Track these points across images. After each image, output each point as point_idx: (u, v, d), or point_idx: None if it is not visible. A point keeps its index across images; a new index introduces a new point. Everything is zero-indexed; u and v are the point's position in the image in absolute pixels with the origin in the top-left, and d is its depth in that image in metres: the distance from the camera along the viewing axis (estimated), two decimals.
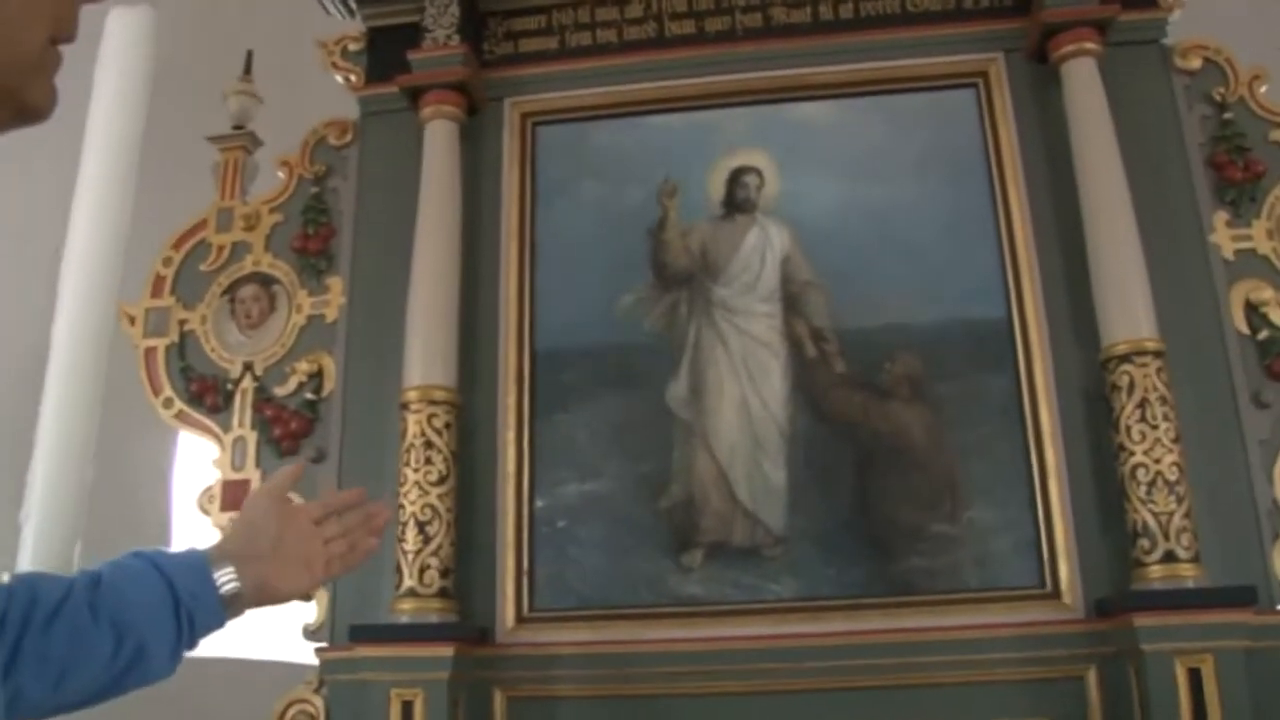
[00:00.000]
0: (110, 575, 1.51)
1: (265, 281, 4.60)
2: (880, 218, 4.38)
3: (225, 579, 1.58)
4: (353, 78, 4.76)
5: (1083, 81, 4.20)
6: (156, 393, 4.50)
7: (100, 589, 1.48)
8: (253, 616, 1.71)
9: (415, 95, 4.54)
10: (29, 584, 1.46)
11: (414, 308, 4.24)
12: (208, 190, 4.73)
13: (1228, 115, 4.29)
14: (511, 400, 4.35)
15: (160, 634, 1.51)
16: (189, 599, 1.53)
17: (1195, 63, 4.37)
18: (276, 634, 5.42)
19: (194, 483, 4.49)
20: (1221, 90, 4.33)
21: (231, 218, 4.68)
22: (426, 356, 4.18)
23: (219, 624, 1.59)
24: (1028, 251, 4.27)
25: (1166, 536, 3.70)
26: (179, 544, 4.45)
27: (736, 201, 4.48)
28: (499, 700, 4.07)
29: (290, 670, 4.57)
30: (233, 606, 1.59)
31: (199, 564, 1.58)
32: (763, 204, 4.46)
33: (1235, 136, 4.26)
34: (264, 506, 1.71)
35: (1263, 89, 4.34)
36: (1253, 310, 4.11)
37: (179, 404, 4.49)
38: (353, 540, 1.78)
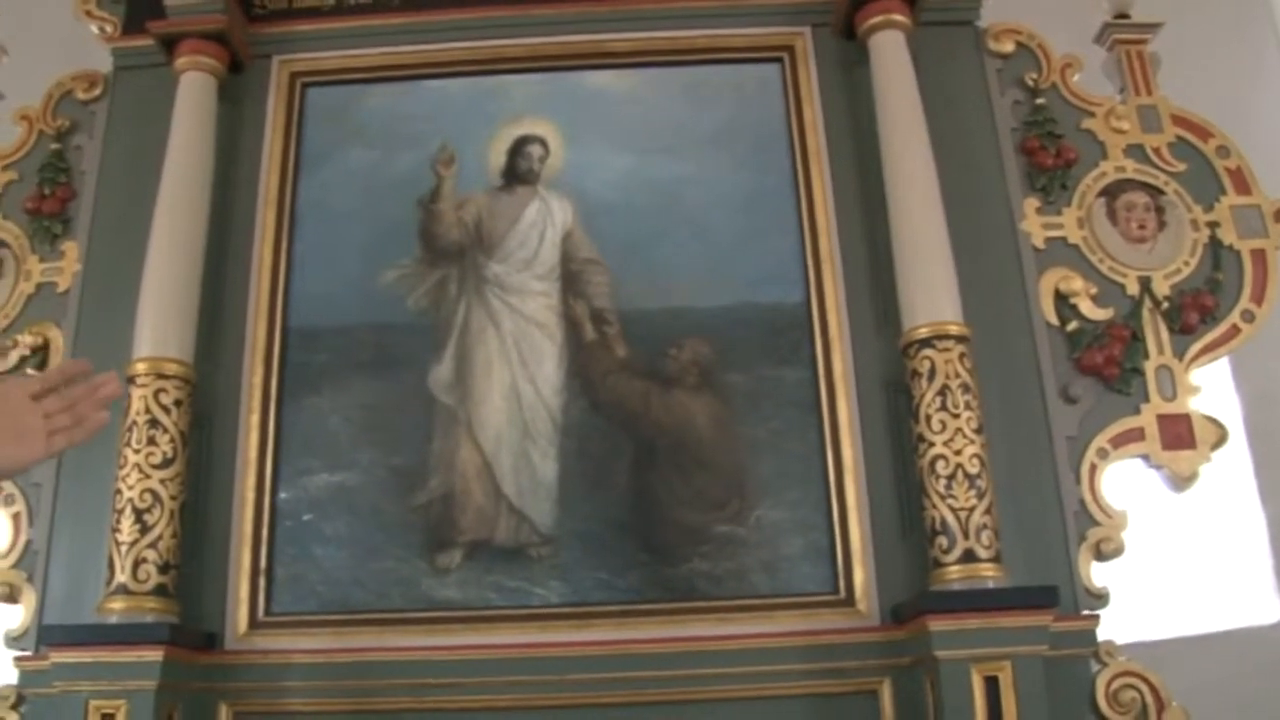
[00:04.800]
0: None
1: None
2: (672, 194, 4.08)
3: None
4: (108, 28, 4.34)
5: (890, 55, 3.98)
6: None
7: None
8: None
9: (171, 46, 4.14)
10: None
11: (150, 272, 3.78)
12: None
13: (1040, 101, 4.15)
14: (257, 380, 3.92)
15: None
16: None
17: (1008, 46, 4.23)
18: None
19: None
20: (1034, 76, 4.19)
21: None
22: (159, 326, 3.72)
23: None
24: (829, 234, 4.00)
25: (966, 534, 3.40)
26: None
27: (518, 172, 4.15)
28: (225, 715, 3.57)
29: None
30: None
31: None
32: (546, 176, 4.14)
33: (1047, 123, 4.12)
34: None
35: (1075, 77, 4.22)
36: (1062, 301, 3.92)
37: None
38: (79, 414, 1.61)
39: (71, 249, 4.11)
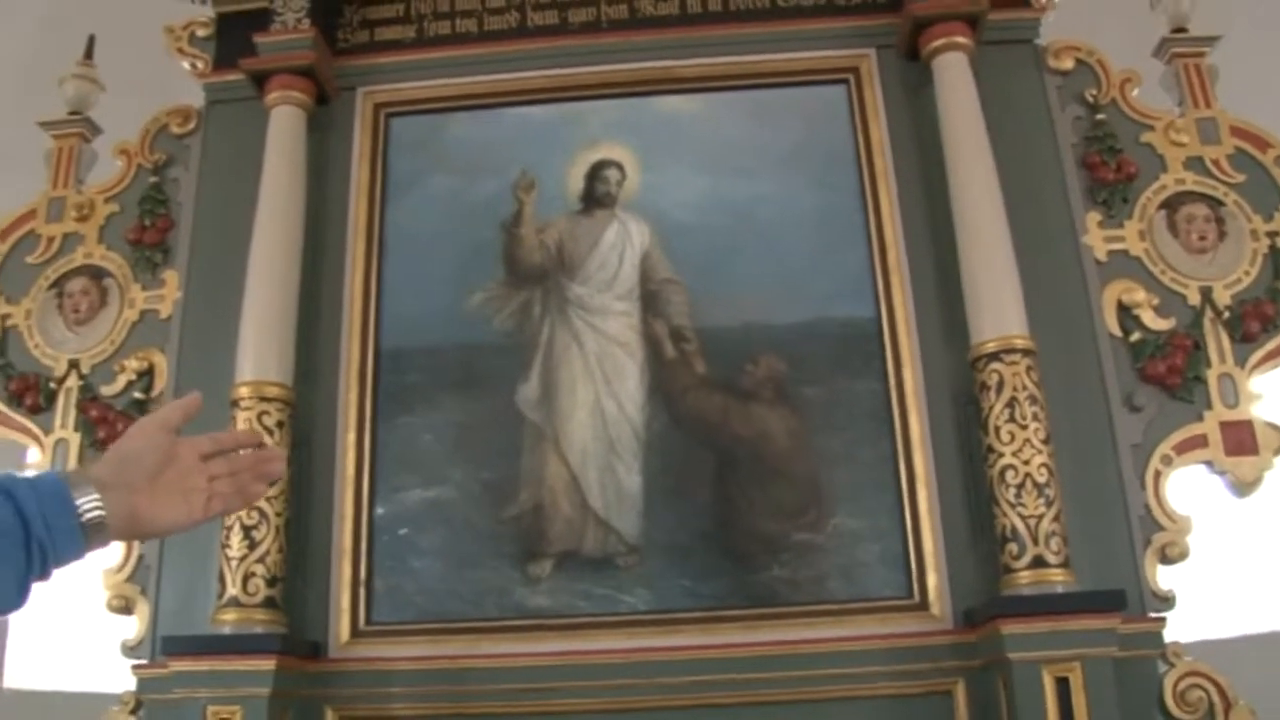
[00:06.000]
0: None
1: (96, 275, 4.34)
2: (745, 214, 4.22)
3: (88, 506, 1.42)
4: (199, 64, 4.54)
5: (954, 76, 4.10)
6: None
7: None
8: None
9: (262, 82, 4.33)
10: None
11: (249, 300, 3.98)
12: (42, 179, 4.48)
13: (1100, 116, 4.24)
14: (353, 400, 4.11)
15: (6, 567, 1.35)
16: (41, 529, 1.36)
17: (1068, 63, 4.32)
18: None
19: None
20: (1094, 92, 4.28)
21: (63, 207, 4.42)
22: (260, 351, 3.92)
23: (78, 554, 1.43)
24: (897, 250, 4.13)
25: (1035, 541, 3.53)
26: None
27: (596, 196, 4.30)
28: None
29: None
30: (96, 536, 1.43)
31: (58, 490, 1.41)
32: (623, 199, 4.29)
33: (1107, 137, 4.21)
34: (147, 435, 1.54)
35: (1134, 91, 4.30)
36: (1125, 312, 4.01)
37: None
38: (240, 483, 1.64)
39: (172, 277, 4.31)
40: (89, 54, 4.59)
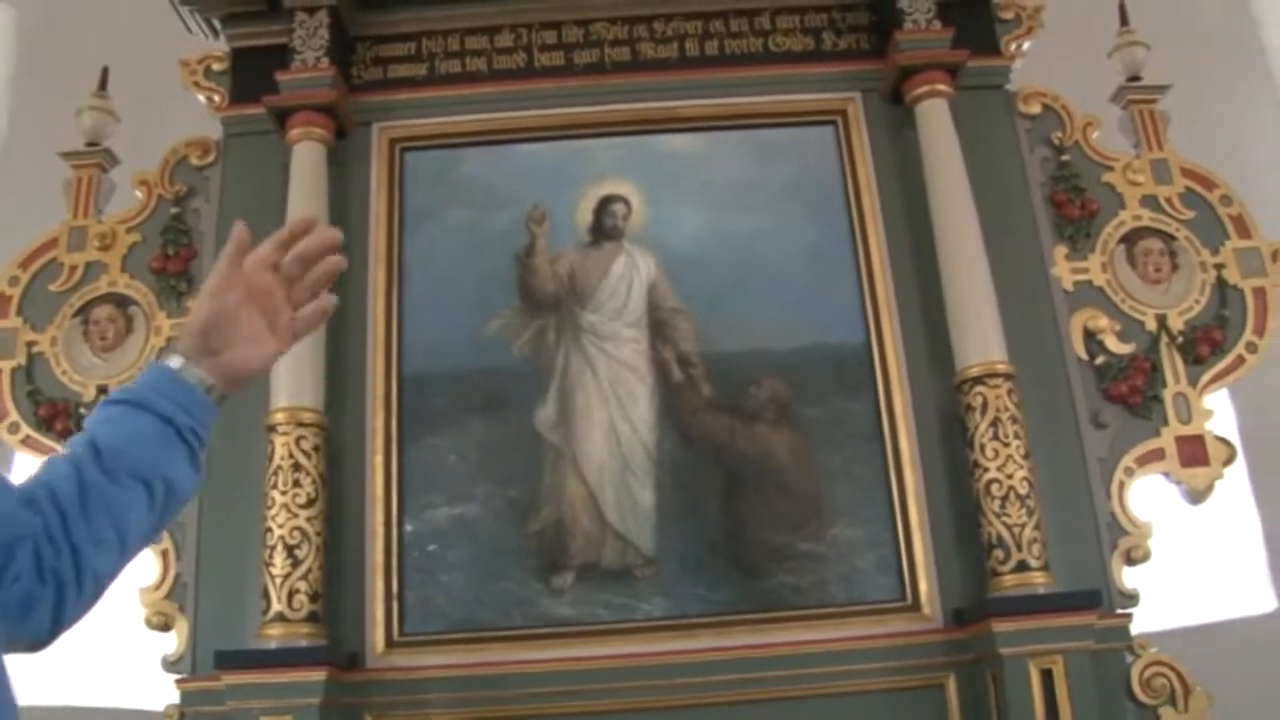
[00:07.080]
0: (104, 438, 1.48)
1: (121, 303, 4.47)
2: (744, 246, 4.52)
3: (200, 376, 1.54)
4: (216, 98, 4.69)
5: (935, 121, 4.45)
6: (0, 417, 4.31)
7: (103, 455, 1.46)
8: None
9: (282, 117, 4.50)
10: (43, 486, 1.44)
11: None
12: (60, 209, 4.58)
13: (1065, 157, 4.61)
14: (379, 423, 4.32)
15: (177, 462, 1.51)
16: (183, 418, 1.50)
17: (1035, 108, 4.69)
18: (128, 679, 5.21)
19: None
20: (1059, 134, 4.65)
21: (85, 236, 4.53)
22: (294, 378, 4.10)
23: (214, 414, 1.56)
24: (885, 281, 4.47)
25: (1019, 547, 3.90)
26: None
27: (604, 229, 4.56)
28: None
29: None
30: (215, 397, 1.56)
31: (171, 380, 1.53)
32: (630, 232, 4.56)
33: (1072, 177, 4.58)
34: (222, 290, 1.55)
35: (1094, 135, 4.68)
36: (1090, 337, 4.39)
37: (25, 429, 4.30)
38: (313, 289, 1.62)
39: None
40: (103, 85, 4.70)
